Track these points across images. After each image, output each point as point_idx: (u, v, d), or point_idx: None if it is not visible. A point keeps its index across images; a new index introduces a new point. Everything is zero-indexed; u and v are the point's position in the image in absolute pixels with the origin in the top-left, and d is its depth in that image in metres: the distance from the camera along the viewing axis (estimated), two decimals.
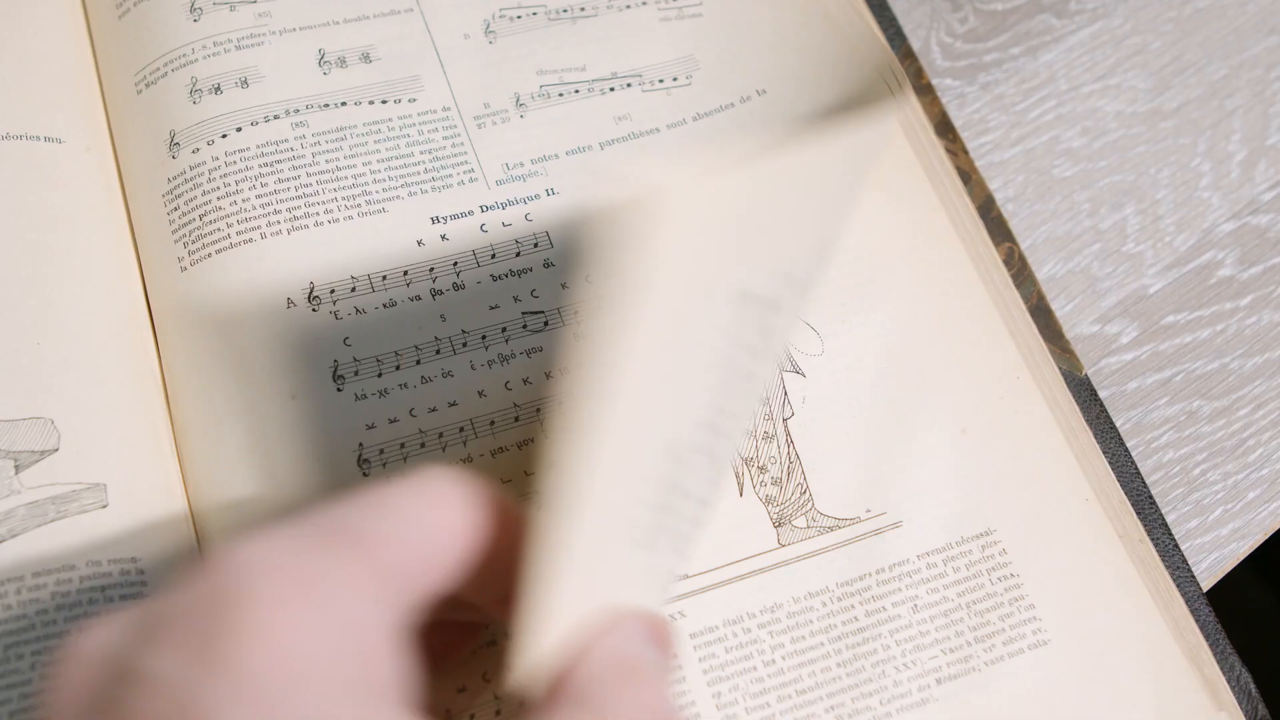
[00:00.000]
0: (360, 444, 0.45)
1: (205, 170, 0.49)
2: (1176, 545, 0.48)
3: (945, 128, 0.55)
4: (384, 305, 0.47)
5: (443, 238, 0.49)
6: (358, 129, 0.51)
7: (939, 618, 0.46)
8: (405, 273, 0.48)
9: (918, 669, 0.45)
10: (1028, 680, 0.45)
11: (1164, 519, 0.48)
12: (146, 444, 0.45)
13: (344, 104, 0.51)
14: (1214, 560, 0.49)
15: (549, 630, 0.32)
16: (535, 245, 0.50)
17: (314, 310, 0.47)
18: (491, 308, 0.48)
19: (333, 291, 0.47)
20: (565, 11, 0.55)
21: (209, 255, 0.48)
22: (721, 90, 0.54)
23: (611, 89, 0.54)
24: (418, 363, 0.47)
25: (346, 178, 0.50)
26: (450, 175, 0.51)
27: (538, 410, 0.47)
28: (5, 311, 0.46)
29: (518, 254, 0.49)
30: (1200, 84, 0.58)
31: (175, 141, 0.50)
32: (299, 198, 0.49)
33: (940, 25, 0.59)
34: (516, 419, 0.47)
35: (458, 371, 0.47)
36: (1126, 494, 0.48)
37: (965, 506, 0.47)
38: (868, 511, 0.47)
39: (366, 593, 0.30)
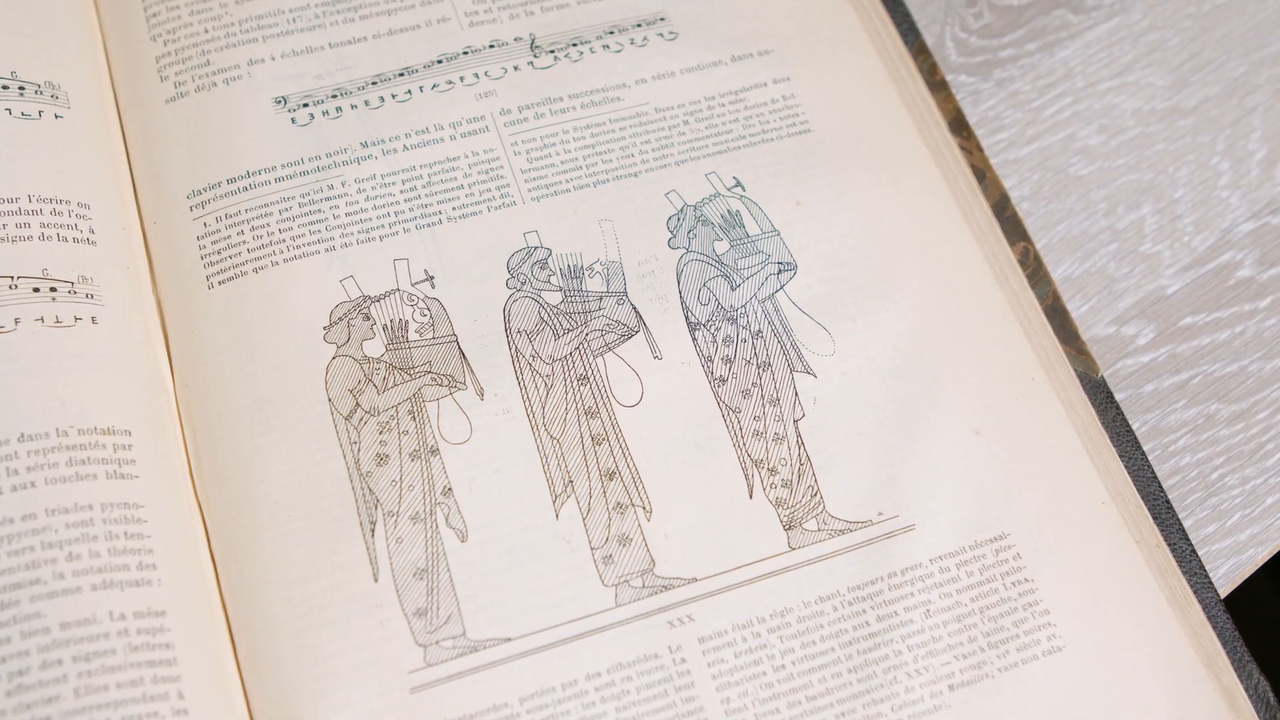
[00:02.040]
0: None
1: None
2: (1194, 550, 0.47)
3: (959, 125, 0.54)
4: None
5: None
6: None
7: (952, 623, 0.45)
8: None
9: (930, 675, 0.44)
10: (1042, 687, 0.45)
11: (1181, 524, 0.48)
12: None
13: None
14: (1232, 566, 0.49)
15: None
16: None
17: None
18: None
19: None
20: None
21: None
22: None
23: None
24: None
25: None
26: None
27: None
28: None
29: None
30: (1219, 81, 0.58)
31: None
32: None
33: (955, 20, 0.59)
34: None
35: None
36: (1143, 498, 0.48)
37: (978, 509, 0.47)
38: (879, 514, 0.47)
39: None
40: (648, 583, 0.45)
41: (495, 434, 0.47)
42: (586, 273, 0.50)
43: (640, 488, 0.47)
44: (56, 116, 0.51)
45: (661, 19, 0.56)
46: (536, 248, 0.50)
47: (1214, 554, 0.49)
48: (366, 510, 0.46)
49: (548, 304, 0.49)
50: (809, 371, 0.49)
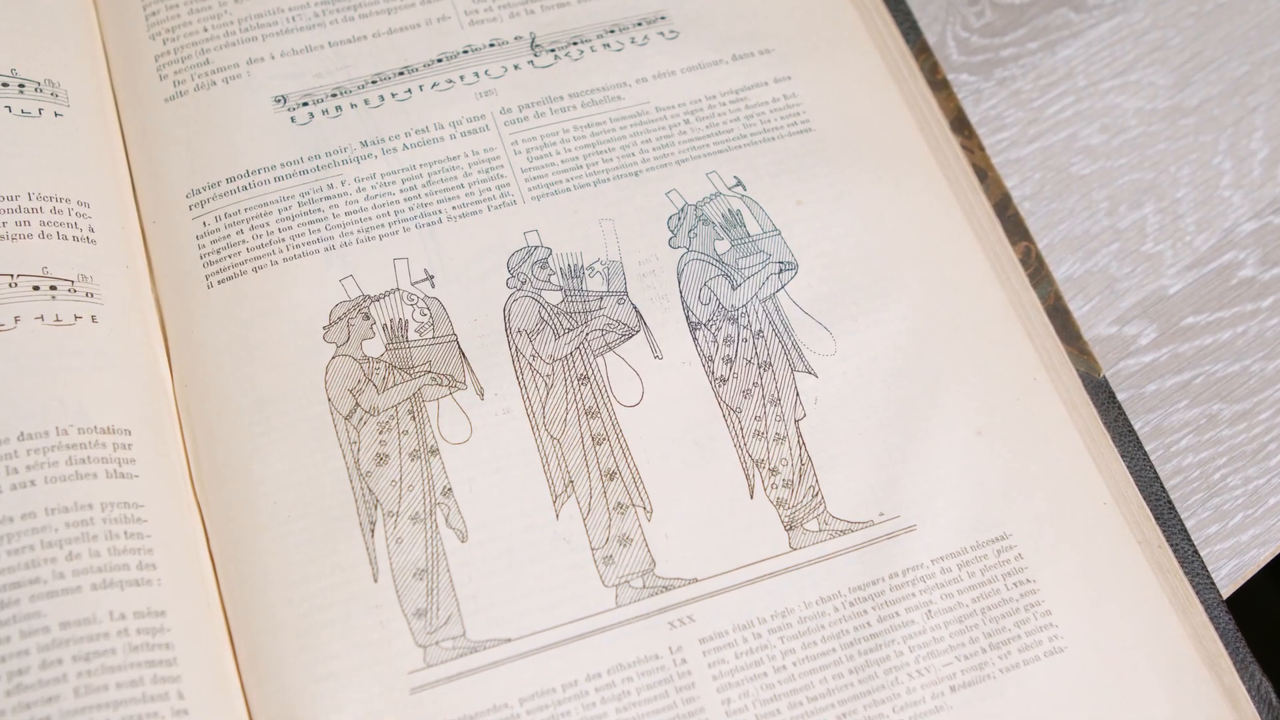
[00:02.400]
0: None
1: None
2: (1196, 551, 0.47)
3: (961, 124, 0.54)
4: None
5: None
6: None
7: (953, 624, 0.45)
8: None
9: (931, 676, 0.44)
10: (1043, 688, 0.44)
11: (1183, 524, 0.47)
12: None
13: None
14: (1234, 567, 0.49)
15: None
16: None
17: None
18: None
19: None
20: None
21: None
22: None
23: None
24: None
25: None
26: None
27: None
28: None
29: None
30: (1221, 80, 0.58)
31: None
32: None
33: (956, 19, 0.59)
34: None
35: None
36: (1145, 498, 0.48)
37: (980, 510, 0.47)
38: (881, 514, 0.47)
39: None
40: (648, 583, 0.45)
41: (495, 434, 0.47)
42: (587, 272, 0.50)
43: (641, 488, 0.47)
44: (56, 114, 0.51)
45: (662, 18, 0.55)
46: (537, 247, 0.50)
47: (1216, 554, 0.49)
48: (366, 510, 0.46)
49: (548, 304, 0.49)
50: (810, 371, 0.49)
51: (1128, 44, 0.58)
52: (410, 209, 0.50)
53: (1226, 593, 0.48)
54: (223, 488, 0.46)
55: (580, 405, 0.48)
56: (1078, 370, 0.50)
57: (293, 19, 0.54)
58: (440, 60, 0.54)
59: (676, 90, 0.54)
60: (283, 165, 0.51)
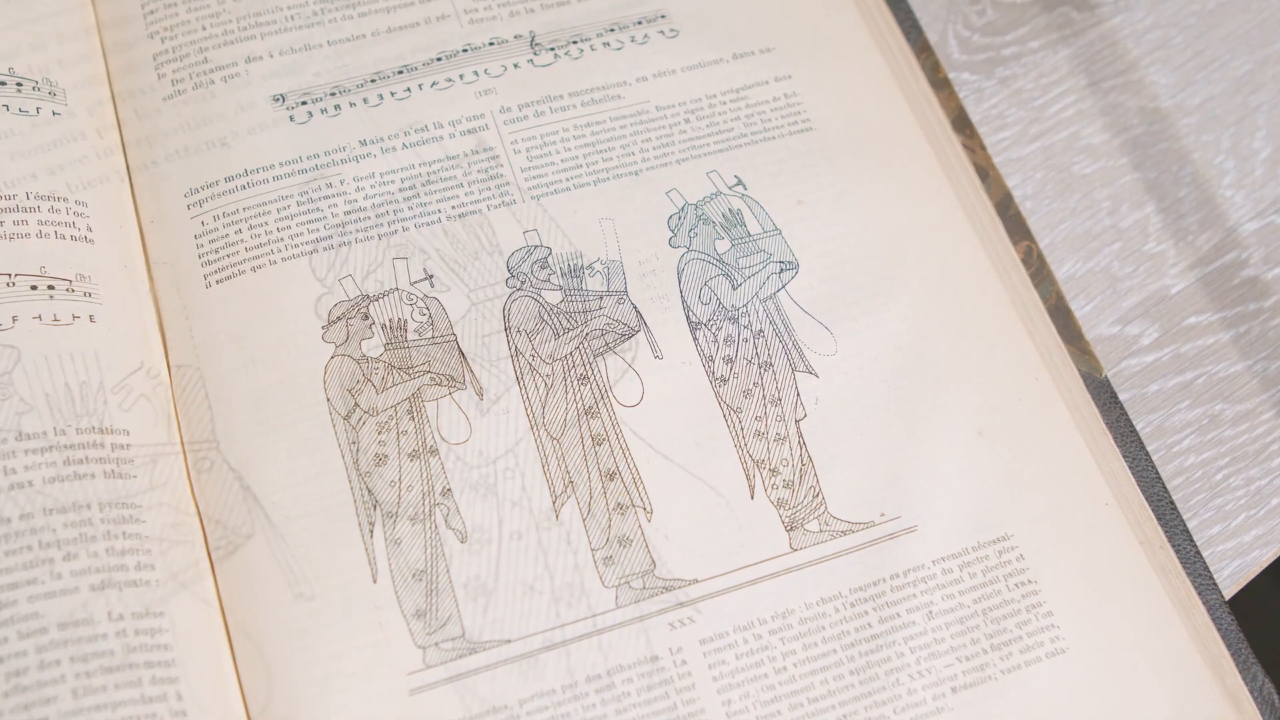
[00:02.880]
0: None
1: None
2: (1198, 552, 0.47)
3: (962, 123, 0.54)
4: None
5: None
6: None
7: (954, 625, 0.45)
8: None
9: (932, 677, 0.44)
10: (1045, 689, 0.44)
11: (1185, 525, 0.47)
12: None
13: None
14: (1236, 567, 0.49)
15: None
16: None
17: None
18: None
19: None
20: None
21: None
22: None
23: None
24: None
25: None
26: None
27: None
28: None
29: None
30: (1224, 79, 0.57)
31: None
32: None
33: (958, 18, 0.59)
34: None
35: None
36: (1147, 499, 0.47)
37: (981, 510, 0.47)
38: (882, 515, 0.46)
39: None
40: (648, 584, 0.45)
41: (495, 434, 0.47)
42: (587, 272, 0.50)
43: (641, 488, 0.46)
44: (54, 113, 0.51)
45: (662, 16, 0.55)
46: (537, 246, 0.50)
47: (1218, 555, 0.49)
48: (365, 511, 0.45)
49: (548, 303, 0.49)
50: (811, 371, 0.49)
51: (1130, 43, 0.58)
52: (409, 208, 0.50)
53: (1229, 593, 0.48)
54: (222, 488, 0.46)
55: (580, 405, 0.48)
56: (1079, 370, 0.50)
57: (291, 17, 0.54)
58: (439, 59, 0.54)
59: (677, 89, 0.54)
60: (281, 164, 0.51)
